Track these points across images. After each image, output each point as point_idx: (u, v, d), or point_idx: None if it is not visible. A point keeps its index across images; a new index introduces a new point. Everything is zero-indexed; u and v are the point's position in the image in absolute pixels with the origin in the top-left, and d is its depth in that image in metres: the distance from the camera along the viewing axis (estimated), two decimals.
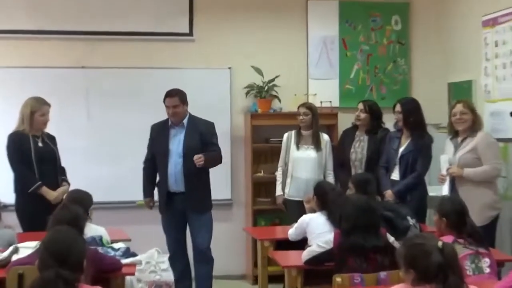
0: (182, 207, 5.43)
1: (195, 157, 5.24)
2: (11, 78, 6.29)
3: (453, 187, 5.13)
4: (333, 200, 4.55)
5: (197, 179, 5.40)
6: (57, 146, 5.50)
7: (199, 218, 5.46)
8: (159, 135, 5.50)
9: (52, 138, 5.49)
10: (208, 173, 5.52)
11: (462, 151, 5.11)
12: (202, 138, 5.42)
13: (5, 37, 6.36)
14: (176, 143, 5.42)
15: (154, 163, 5.55)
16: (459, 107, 5.15)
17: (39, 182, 5.21)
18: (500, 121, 5.81)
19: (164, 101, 5.43)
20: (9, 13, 6.37)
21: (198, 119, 5.53)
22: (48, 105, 5.37)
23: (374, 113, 6.06)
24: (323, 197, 4.69)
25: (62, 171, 5.48)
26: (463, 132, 5.14)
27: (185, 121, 5.45)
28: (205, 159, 5.27)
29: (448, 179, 5.14)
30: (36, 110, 5.30)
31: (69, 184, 5.41)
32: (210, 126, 5.53)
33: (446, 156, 5.23)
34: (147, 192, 5.62)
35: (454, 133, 5.23)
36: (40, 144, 5.33)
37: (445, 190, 5.15)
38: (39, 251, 3.03)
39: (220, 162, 5.58)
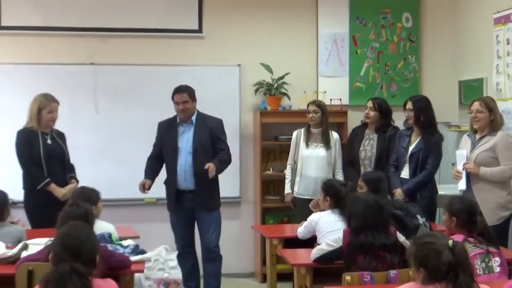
0: (191, 205, 5.41)
1: (206, 166, 5.19)
2: (20, 74, 6.31)
3: (468, 183, 5.07)
4: (347, 195, 4.51)
5: (207, 177, 5.38)
6: (66, 143, 5.50)
7: (208, 216, 5.44)
8: (167, 133, 5.48)
9: (61, 135, 5.49)
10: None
11: (479, 149, 5.06)
12: (212, 135, 5.40)
13: (14, 33, 6.38)
14: (185, 140, 5.40)
15: (159, 160, 5.53)
16: (475, 105, 5.10)
17: (48, 179, 5.21)
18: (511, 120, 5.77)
19: (172, 98, 5.41)
20: (18, 9, 6.38)
21: (207, 116, 5.51)
22: (57, 102, 5.37)
23: (383, 111, 6.04)
24: (336, 196, 4.65)
25: (71, 168, 5.48)
26: (481, 130, 5.09)
27: (193, 118, 5.43)
28: (216, 168, 5.23)
29: (464, 174, 5.08)
30: (44, 107, 5.29)
31: (77, 181, 5.39)
32: (219, 123, 5.51)
33: (463, 151, 5.16)
34: (148, 175, 5.49)
35: (474, 130, 5.17)
36: (49, 141, 5.33)
37: (461, 185, 5.09)
38: (54, 245, 3.06)
39: (230, 163, 5.54)
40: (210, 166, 5.20)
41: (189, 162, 5.34)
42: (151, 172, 5.53)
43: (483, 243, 3.81)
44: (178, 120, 5.46)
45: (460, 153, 5.18)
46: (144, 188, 5.44)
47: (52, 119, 5.34)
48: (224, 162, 5.43)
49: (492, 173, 4.98)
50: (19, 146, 5.30)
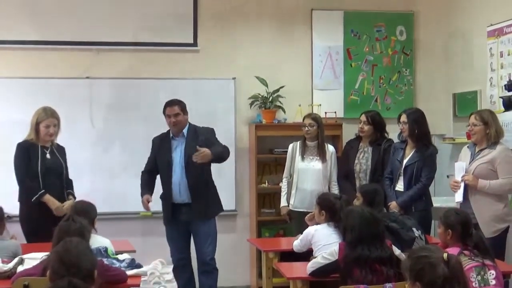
0: (187, 217, 5.42)
1: (198, 151, 5.17)
2: (15, 88, 6.31)
3: (465, 195, 5.08)
4: (342, 208, 4.52)
5: (201, 189, 5.40)
6: (66, 157, 5.46)
7: (204, 229, 5.44)
8: (161, 148, 5.49)
9: (61, 150, 5.46)
10: (212, 182, 5.52)
11: (478, 161, 5.07)
12: (205, 144, 5.36)
13: (10, 47, 6.38)
14: (178, 154, 5.42)
15: (152, 174, 5.56)
16: (471, 119, 5.14)
17: (42, 190, 5.17)
18: (506, 132, 5.78)
19: (164, 112, 5.43)
20: (14, 23, 6.39)
21: (197, 127, 5.52)
22: (55, 118, 5.33)
23: (377, 124, 6.06)
24: (331, 209, 4.65)
25: (69, 183, 5.44)
26: (479, 142, 5.12)
27: (185, 130, 5.45)
28: (212, 153, 5.21)
29: (462, 185, 5.09)
30: (41, 120, 5.27)
31: (75, 198, 5.34)
32: (210, 132, 5.51)
33: (462, 163, 5.18)
34: (145, 190, 5.48)
35: (474, 142, 5.19)
36: (48, 156, 5.30)
37: (458, 197, 5.10)
38: (51, 261, 3.04)
39: (228, 155, 5.49)
40: (201, 151, 5.17)
41: (182, 176, 5.35)
42: (147, 188, 5.53)
43: (479, 256, 3.80)
44: (171, 135, 5.47)
45: (459, 165, 5.19)
46: (148, 202, 5.43)
47: (49, 133, 5.29)
48: (222, 150, 5.36)
49: (491, 186, 4.99)
50: (16, 158, 5.28)
